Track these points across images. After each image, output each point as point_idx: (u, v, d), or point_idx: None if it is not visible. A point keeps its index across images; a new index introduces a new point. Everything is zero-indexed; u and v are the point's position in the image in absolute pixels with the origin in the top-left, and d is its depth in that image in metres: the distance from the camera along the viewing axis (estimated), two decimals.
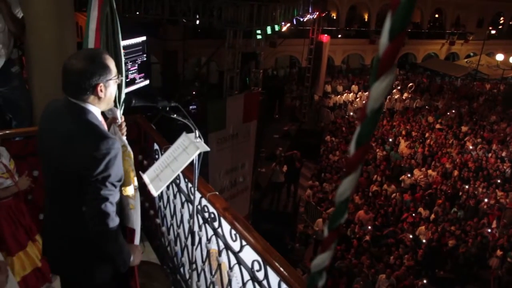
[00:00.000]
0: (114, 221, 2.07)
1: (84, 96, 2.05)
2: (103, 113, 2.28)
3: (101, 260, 2.21)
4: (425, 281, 9.80)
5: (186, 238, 3.13)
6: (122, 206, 2.34)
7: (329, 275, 9.41)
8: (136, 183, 2.50)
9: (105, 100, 2.12)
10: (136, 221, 2.44)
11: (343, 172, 0.64)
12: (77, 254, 2.21)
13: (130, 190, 2.38)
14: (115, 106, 2.49)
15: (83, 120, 2.04)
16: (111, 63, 2.10)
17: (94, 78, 2.02)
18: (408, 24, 0.53)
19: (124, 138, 2.47)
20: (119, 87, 2.45)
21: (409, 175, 14.57)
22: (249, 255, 2.30)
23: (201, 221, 2.84)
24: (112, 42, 2.61)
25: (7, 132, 3.51)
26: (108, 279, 2.31)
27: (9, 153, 3.26)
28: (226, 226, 2.51)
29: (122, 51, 2.72)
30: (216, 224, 2.63)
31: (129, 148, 2.42)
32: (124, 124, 2.52)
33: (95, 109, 2.11)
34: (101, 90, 2.05)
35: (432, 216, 12.30)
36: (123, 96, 2.67)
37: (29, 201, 3.47)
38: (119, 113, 2.49)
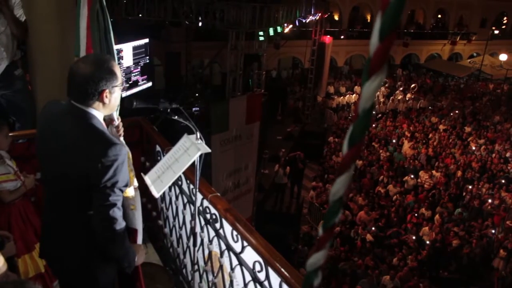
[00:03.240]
0: (121, 225, 2.08)
1: (89, 101, 2.05)
2: None
3: (102, 263, 2.22)
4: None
5: (188, 239, 3.14)
6: (124, 207, 2.35)
7: (333, 276, 9.47)
8: (136, 183, 2.51)
9: (109, 106, 2.12)
10: (138, 221, 2.46)
11: (337, 171, 0.64)
12: (77, 257, 2.21)
13: (130, 192, 2.39)
14: None
15: (88, 125, 2.03)
16: (117, 70, 2.10)
17: (101, 83, 2.02)
18: (397, 24, 0.54)
19: (122, 139, 2.48)
20: None
21: (412, 176, 14.52)
22: (250, 256, 2.31)
23: (203, 222, 2.84)
24: (104, 40, 2.59)
25: (11, 134, 3.52)
26: (109, 281, 2.32)
27: (8, 154, 3.28)
28: (227, 227, 2.52)
29: (115, 48, 2.70)
30: (217, 225, 2.64)
31: (127, 149, 2.43)
32: (121, 125, 2.52)
33: (99, 114, 2.10)
34: (106, 96, 2.05)
35: (436, 216, 12.26)
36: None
37: (32, 203, 3.49)
38: (115, 114, 2.50)
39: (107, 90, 2.04)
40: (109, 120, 2.46)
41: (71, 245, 2.21)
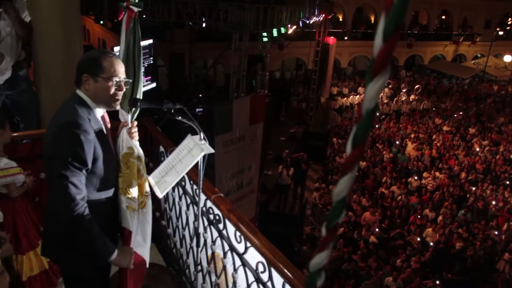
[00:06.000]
0: (80, 206, 2.01)
1: (78, 83, 2.17)
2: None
3: (77, 253, 2.19)
4: (437, 282, 9.75)
5: (192, 240, 3.14)
6: (117, 203, 2.37)
7: (335, 278, 9.45)
8: (147, 188, 2.51)
9: (91, 94, 2.16)
10: (138, 225, 2.43)
11: (340, 172, 0.64)
12: (60, 243, 2.21)
13: (133, 192, 2.39)
14: (126, 111, 2.50)
15: (69, 105, 2.12)
16: (107, 64, 2.14)
17: (83, 67, 2.16)
18: (401, 25, 0.54)
19: (135, 142, 2.49)
20: (129, 94, 2.47)
21: (415, 177, 14.48)
22: (253, 256, 2.30)
23: (206, 223, 2.84)
24: (131, 68, 2.54)
25: (15, 134, 3.53)
26: (91, 274, 2.28)
27: None
28: (230, 228, 2.52)
29: (142, 77, 2.67)
30: (221, 226, 2.63)
31: (137, 153, 2.43)
32: (135, 129, 2.53)
33: (88, 100, 2.16)
34: (86, 81, 2.14)
35: (440, 218, 12.22)
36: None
37: (36, 203, 3.51)
38: (129, 117, 2.51)
39: (86, 75, 2.13)
40: (123, 122, 2.50)
41: (55, 231, 2.21)
